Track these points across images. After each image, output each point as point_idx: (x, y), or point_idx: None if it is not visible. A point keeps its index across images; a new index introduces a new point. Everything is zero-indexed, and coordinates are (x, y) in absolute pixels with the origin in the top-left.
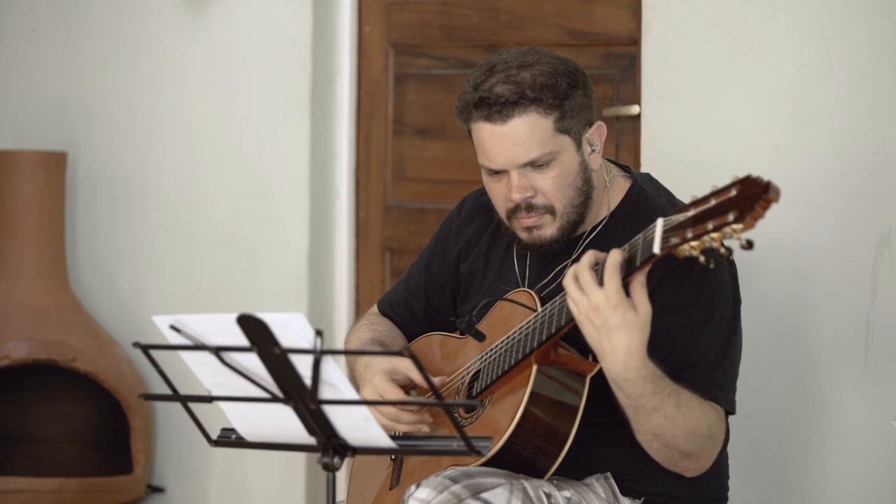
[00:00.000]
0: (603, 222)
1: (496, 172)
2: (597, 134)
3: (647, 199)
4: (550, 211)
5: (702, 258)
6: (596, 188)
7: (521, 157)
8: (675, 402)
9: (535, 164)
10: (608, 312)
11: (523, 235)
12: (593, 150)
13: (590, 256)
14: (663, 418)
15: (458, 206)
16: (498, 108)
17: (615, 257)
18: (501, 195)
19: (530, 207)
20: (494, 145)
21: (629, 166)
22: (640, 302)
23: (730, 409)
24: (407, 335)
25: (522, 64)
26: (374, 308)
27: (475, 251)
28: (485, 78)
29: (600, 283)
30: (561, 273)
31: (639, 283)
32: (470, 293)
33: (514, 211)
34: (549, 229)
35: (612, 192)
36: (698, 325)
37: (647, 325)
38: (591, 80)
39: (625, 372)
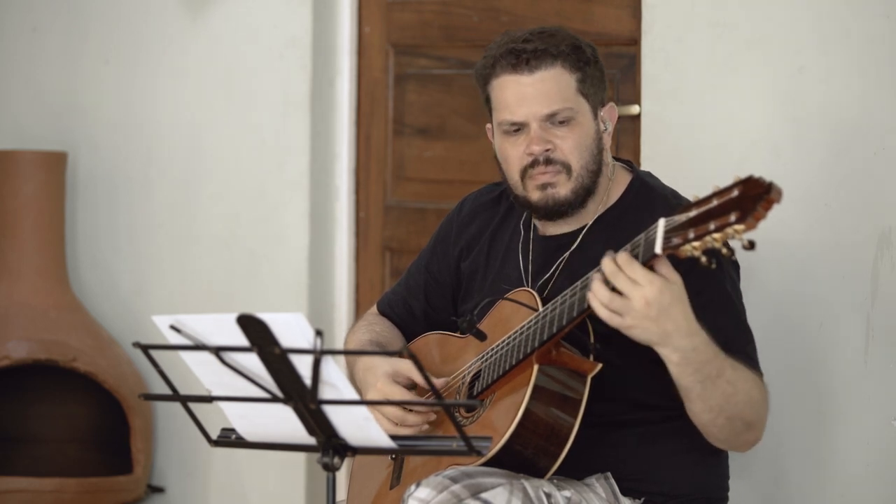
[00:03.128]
0: (605, 213)
1: (515, 131)
2: (608, 113)
3: (649, 190)
4: (567, 169)
5: (703, 259)
6: (602, 175)
7: (543, 108)
8: (731, 364)
9: (555, 119)
10: (659, 297)
11: (536, 196)
12: (605, 129)
13: (600, 280)
14: (727, 384)
15: (458, 206)
16: (527, 57)
17: (621, 255)
18: (518, 154)
19: (548, 161)
20: (518, 96)
21: (631, 161)
22: (670, 274)
23: (763, 380)
24: (406, 335)
25: (545, 31)
26: (374, 308)
27: (476, 250)
28: (511, 37)
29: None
30: (562, 267)
31: (662, 259)
32: (471, 292)
33: (531, 166)
34: (563, 188)
35: (615, 183)
36: (719, 306)
37: (685, 291)
38: None
39: (692, 341)
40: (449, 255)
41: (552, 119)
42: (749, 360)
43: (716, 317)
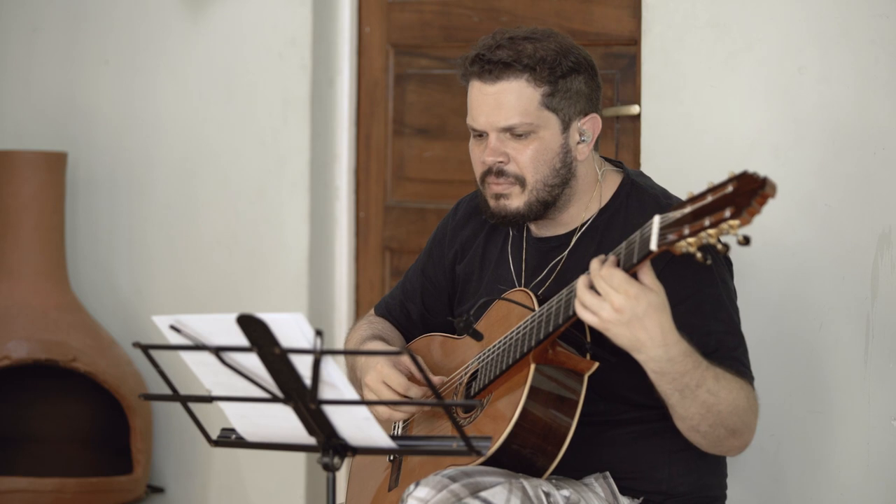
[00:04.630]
0: (596, 216)
1: (478, 135)
2: (589, 124)
3: (639, 191)
4: (521, 182)
5: (699, 255)
6: (585, 181)
7: (500, 121)
8: (713, 374)
9: (513, 132)
10: (632, 304)
11: (491, 203)
12: (583, 140)
13: (584, 279)
14: (707, 394)
15: (453, 208)
16: (490, 67)
17: (604, 258)
18: (478, 159)
19: (500, 173)
20: (479, 104)
21: (622, 162)
22: (653, 283)
23: (752, 385)
24: (404, 338)
25: (530, 37)
26: (372, 311)
27: (471, 252)
28: (492, 41)
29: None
30: (556, 269)
31: (645, 268)
32: (467, 294)
33: (485, 174)
34: (515, 201)
35: (605, 186)
36: (710, 310)
37: (667, 302)
38: (600, 78)
39: (667, 352)
40: (444, 258)
41: (511, 131)
42: (739, 364)
43: (706, 321)
